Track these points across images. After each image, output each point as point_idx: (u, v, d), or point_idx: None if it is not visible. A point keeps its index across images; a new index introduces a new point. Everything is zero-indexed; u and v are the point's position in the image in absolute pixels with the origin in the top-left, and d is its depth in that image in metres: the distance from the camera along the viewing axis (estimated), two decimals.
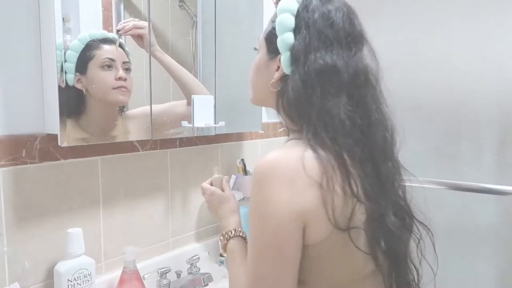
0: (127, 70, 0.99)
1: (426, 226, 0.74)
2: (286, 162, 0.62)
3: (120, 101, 0.99)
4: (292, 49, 0.67)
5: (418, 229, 0.74)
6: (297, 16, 0.68)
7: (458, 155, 1.39)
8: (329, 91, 0.65)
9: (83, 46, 0.89)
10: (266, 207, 0.61)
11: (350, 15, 0.69)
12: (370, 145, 0.66)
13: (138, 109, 1.05)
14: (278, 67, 0.71)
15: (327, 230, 0.61)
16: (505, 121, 1.31)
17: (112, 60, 0.95)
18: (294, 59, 0.67)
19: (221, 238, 0.84)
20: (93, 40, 0.91)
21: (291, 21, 0.68)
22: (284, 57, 0.69)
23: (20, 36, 0.86)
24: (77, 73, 0.89)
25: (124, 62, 0.98)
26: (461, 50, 1.36)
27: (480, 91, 1.34)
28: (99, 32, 0.93)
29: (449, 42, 1.38)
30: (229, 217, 0.87)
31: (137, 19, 1.04)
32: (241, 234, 0.83)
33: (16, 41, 0.85)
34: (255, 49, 0.79)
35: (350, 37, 0.68)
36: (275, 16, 0.72)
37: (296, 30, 0.68)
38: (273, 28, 0.72)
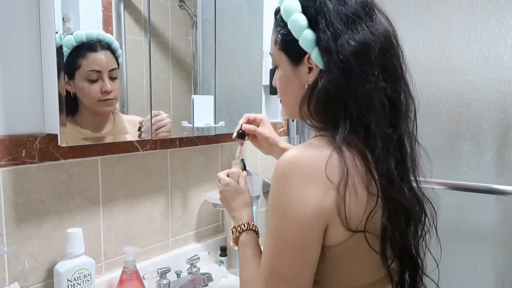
0: (114, 79, 0.96)
1: (432, 205, 0.72)
2: (311, 160, 0.61)
3: (106, 112, 0.98)
4: (319, 43, 0.64)
5: (427, 218, 0.72)
6: (305, 10, 0.66)
7: (458, 155, 1.39)
8: (367, 70, 0.62)
9: (69, 52, 0.87)
10: (290, 204, 0.60)
11: None
12: (398, 127, 0.66)
13: (139, 118, 1.05)
14: (310, 68, 0.68)
15: (346, 233, 0.61)
16: (505, 121, 1.31)
17: (98, 71, 0.93)
18: (325, 51, 0.64)
19: (233, 230, 0.82)
20: (80, 44, 0.89)
21: (302, 18, 0.65)
22: (315, 54, 0.65)
23: (20, 36, 0.86)
24: (65, 75, 0.87)
25: (111, 70, 0.95)
26: (461, 50, 1.36)
27: (480, 91, 1.34)
28: (85, 32, 0.90)
29: (449, 42, 1.38)
30: (242, 210, 0.85)
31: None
32: (253, 228, 0.81)
33: (16, 41, 0.85)
34: (274, 68, 0.76)
35: (367, 5, 0.66)
36: (280, 22, 0.70)
37: (312, 24, 0.65)
38: (284, 35, 0.69)
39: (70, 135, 0.88)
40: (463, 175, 1.37)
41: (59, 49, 0.84)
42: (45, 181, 0.91)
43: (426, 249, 0.74)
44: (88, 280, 0.91)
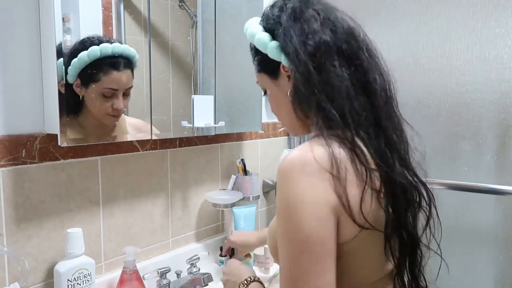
0: (127, 95, 0.98)
1: (430, 190, 0.72)
2: (310, 157, 0.61)
3: (110, 124, 0.99)
4: (282, 49, 0.69)
5: (427, 203, 0.72)
6: (266, 28, 0.72)
7: (458, 155, 1.39)
8: (325, 64, 0.65)
9: (89, 62, 0.88)
10: (301, 202, 0.59)
11: None
12: (374, 108, 0.67)
13: (139, 121, 1.05)
14: (288, 77, 0.71)
15: (356, 228, 0.61)
16: (505, 121, 1.31)
17: (115, 90, 0.95)
18: (287, 54, 0.68)
19: (240, 285, 0.82)
20: (104, 58, 0.90)
21: (265, 34, 0.71)
22: (284, 60, 0.69)
23: (20, 36, 0.86)
24: (78, 78, 0.88)
25: (127, 89, 0.97)
26: (461, 50, 1.36)
27: (480, 91, 1.34)
28: (112, 46, 0.91)
29: (449, 42, 1.38)
30: (241, 270, 0.86)
31: None
32: (258, 280, 0.82)
33: (16, 41, 0.85)
34: (265, 92, 0.80)
35: (318, 5, 0.69)
36: (252, 50, 0.77)
37: (274, 36, 0.70)
38: (258, 57, 0.75)
39: (70, 135, 0.88)
40: (463, 175, 1.37)
41: (59, 49, 0.84)
42: (45, 181, 0.91)
43: (430, 234, 0.74)
44: (88, 280, 0.91)
